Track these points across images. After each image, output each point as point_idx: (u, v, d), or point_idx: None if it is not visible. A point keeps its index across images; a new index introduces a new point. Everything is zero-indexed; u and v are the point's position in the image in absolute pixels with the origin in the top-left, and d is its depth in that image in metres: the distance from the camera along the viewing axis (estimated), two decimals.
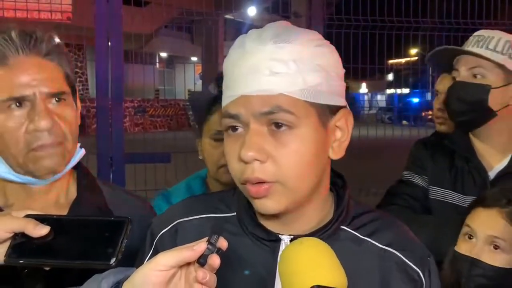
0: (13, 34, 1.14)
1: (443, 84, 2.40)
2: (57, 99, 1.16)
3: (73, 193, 1.27)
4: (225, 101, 0.93)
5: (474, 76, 1.73)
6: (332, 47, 0.96)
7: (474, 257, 1.39)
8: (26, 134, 1.12)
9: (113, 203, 1.28)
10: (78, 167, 1.30)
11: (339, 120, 0.95)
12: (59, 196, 1.24)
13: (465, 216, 1.49)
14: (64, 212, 1.22)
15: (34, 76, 1.12)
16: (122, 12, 3.12)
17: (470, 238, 1.43)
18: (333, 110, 0.94)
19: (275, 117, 0.88)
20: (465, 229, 1.45)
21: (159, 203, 1.81)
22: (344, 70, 0.97)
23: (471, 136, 1.84)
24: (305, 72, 0.89)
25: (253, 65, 0.89)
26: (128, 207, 1.31)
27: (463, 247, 1.44)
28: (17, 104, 1.12)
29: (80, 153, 1.26)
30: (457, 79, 1.77)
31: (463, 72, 1.75)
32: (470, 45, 1.75)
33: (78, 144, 1.25)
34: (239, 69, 0.91)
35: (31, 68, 1.13)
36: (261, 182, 0.88)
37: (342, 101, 0.95)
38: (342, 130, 0.96)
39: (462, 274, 1.39)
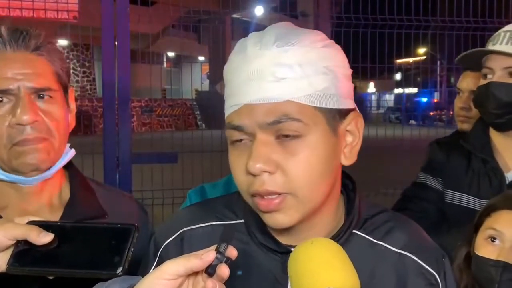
0: (3, 30, 1.14)
1: (466, 82, 2.33)
2: (42, 95, 1.15)
3: (66, 194, 1.25)
4: (228, 110, 0.88)
5: (511, 75, 1.65)
6: (338, 47, 0.91)
7: (505, 260, 1.33)
8: (9, 128, 1.11)
9: (107, 203, 1.26)
10: (69, 167, 1.28)
11: (349, 124, 0.91)
12: (52, 197, 1.23)
13: (474, 219, 1.44)
14: (58, 213, 1.20)
15: (20, 70, 1.12)
16: (129, 11, 3.10)
17: (493, 241, 1.37)
18: (343, 114, 0.89)
19: (282, 127, 0.84)
20: (488, 232, 1.39)
21: (194, 199, 1.73)
22: (351, 71, 0.92)
23: (492, 135, 1.77)
24: (311, 76, 0.84)
25: (256, 71, 0.84)
26: (122, 207, 1.30)
27: (485, 251, 1.38)
28: (0, 99, 1.11)
29: (70, 153, 1.24)
30: (492, 78, 1.67)
31: (498, 71, 1.66)
32: (503, 42, 1.66)
33: (68, 145, 1.23)
34: (241, 76, 0.86)
35: (17, 63, 1.13)
36: (272, 194, 0.84)
37: (351, 104, 0.91)
38: (353, 134, 0.92)
39: (493, 280, 1.33)
